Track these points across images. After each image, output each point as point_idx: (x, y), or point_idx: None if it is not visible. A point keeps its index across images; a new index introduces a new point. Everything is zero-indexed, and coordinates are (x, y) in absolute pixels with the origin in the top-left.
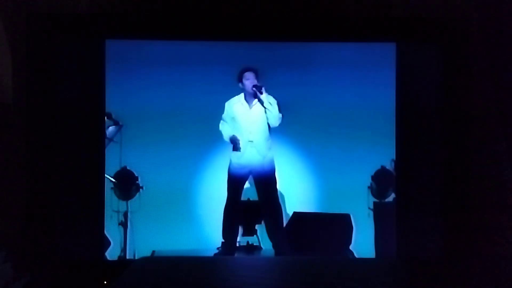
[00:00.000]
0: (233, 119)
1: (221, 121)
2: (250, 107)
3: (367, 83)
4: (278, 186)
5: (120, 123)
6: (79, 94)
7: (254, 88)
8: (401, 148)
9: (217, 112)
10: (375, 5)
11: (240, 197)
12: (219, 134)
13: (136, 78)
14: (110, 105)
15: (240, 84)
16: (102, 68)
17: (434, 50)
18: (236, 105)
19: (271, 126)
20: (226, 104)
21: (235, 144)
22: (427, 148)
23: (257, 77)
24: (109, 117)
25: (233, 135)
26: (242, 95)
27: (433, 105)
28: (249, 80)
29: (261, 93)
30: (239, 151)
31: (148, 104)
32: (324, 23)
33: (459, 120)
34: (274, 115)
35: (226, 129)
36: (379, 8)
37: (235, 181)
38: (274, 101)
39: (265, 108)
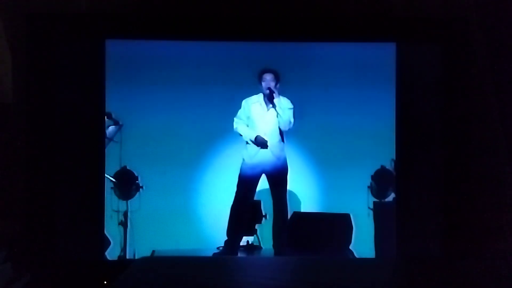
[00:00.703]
0: (248, 118)
1: (236, 119)
2: (268, 109)
3: (367, 83)
4: None
5: (120, 123)
6: (79, 94)
7: (268, 90)
8: (401, 148)
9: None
10: (375, 5)
11: (253, 196)
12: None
13: (136, 78)
14: (110, 105)
15: (260, 85)
16: (102, 68)
17: (434, 50)
18: (255, 105)
19: (281, 129)
20: (244, 101)
21: (262, 145)
22: (427, 148)
23: (276, 78)
24: (109, 117)
25: (259, 136)
26: (261, 95)
27: (433, 105)
28: (266, 82)
29: (273, 97)
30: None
31: (148, 104)
32: (324, 23)
33: (459, 120)
34: (284, 120)
35: (244, 129)
36: (379, 8)
37: (247, 181)
38: (287, 106)
39: (277, 112)
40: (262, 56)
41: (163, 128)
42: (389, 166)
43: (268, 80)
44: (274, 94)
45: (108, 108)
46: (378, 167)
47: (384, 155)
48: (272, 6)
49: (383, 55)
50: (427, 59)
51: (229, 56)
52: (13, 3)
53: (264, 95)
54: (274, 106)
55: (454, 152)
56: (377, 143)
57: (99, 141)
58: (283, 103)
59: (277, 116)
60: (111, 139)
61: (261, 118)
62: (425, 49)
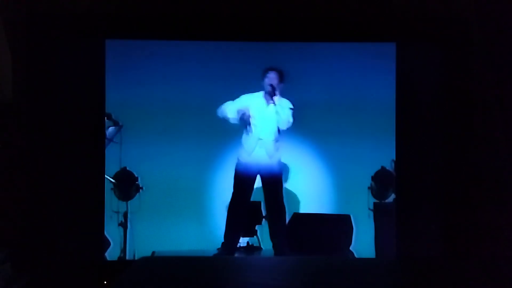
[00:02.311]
0: (246, 109)
1: (228, 102)
2: (267, 104)
3: (367, 83)
4: None
5: (120, 124)
6: (79, 94)
7: (270, 88)
8: (401, 148)
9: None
10: (375, 5)
11: (250, 197)
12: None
13: (136, 78)
14: (110, 105)
15: (263, 81)
16: (102, 68)
17: (434, 50)
18: (254, 100)
19: (280, 128)
20: (244, 95)
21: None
22: (427, 148)
23: (280, 77)
24: (109, 117)
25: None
26: (262, 92)
27: (433, 105)
28: (269, 79)
29: (274, 94)
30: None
31: (148, 104)
32: (324, 23)
33: (459, 120)
34: (283, 119)
35: (231, 108)
36: (379, 8)
37: (242, 181)
38: (288, 106)
39: (276, 109)
40: (262, 56)
41: (163, 129)
42: (389, 166)
43: (271, 77)
44: (275, 92)
45: (108, 109)
46: (378, 167)
47: (384, 155)
48: (272, 6)
49: (383, 55)
50: (427, 59)
51: (229, 56)
52: (13, 3)
53: (265, 92)
54: (273, 102)
55: (454, 152)
56: (377, 144)
57: (99, 142)
58: (283, 103)
59: (276, 113)
60: (111, 140)
61: (260, 114)
62: (425, 49)
